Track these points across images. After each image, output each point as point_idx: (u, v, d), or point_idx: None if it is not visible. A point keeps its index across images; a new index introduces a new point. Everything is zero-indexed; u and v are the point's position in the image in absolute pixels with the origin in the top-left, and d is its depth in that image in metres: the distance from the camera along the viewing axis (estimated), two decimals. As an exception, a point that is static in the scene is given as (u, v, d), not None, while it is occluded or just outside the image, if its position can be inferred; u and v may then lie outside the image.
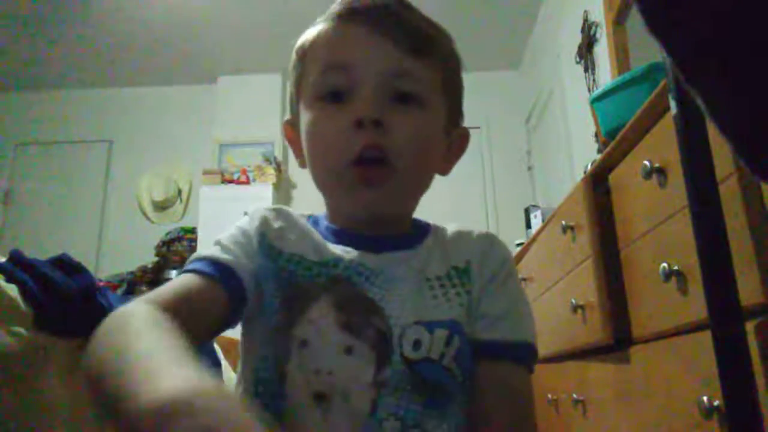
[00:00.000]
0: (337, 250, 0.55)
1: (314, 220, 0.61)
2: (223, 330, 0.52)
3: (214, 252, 0.53)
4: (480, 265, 0.57)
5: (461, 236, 0.60)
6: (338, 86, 0.54)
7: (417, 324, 0.51)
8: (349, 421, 0.48)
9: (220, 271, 0.51)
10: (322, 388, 0.48)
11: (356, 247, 0.55)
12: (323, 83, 0.55)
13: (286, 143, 0.64)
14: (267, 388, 0.50)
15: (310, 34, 0.58)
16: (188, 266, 0.52)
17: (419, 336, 0.50)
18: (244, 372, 0.55)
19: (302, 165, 0.61)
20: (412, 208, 0.62)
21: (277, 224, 0.57)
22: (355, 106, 0.52)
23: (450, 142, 0.61)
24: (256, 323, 0.54)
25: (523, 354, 0.55)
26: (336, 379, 0.48)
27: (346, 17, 0.55)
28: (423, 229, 0.61)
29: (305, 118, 0.57)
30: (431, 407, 0.49)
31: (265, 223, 0.57)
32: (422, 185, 0.59)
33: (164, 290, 0.48)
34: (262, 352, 0.52)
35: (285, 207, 0.61)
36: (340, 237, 0.57)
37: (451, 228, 0.61)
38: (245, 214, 0.59)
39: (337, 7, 0.56)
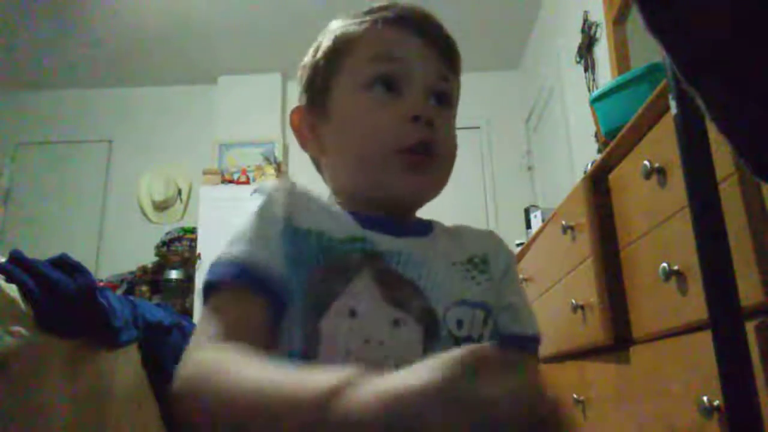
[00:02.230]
0: (364, 230, 0.54)
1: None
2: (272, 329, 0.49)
3: (247, 256, 0.48)
4: (496, 258, 0.60)
5: (466, 231, 0.63)
6: (391, 75, 0.56)
7: (458, 304, 0.53)
8: None
9: (258, 281, 0.47)
10: (374, 358, 0.47)
11: (377, 230, 0.55)
12: (375, 70, 0.56)
13: (292, 130, 0.63)
14: None
15: (353, 27, 0.59)
16: (222, 274, 0.48)
17: (461, 315, 0.52)
18: None
19: (310, 150, 0.62)
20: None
21: (300, 203, 0.55)
22: (410, 101, 0.56)
23: None
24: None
25: (539, 345, 0.60)
26: (387, 350, 0.48)
27: (396, 22, 0.58)
28: (427, 222, 0.63)
29: (348, 103, 0.58)
30: None
31: (288, 204, 0.54)
32: (448, 179, 0.62)
33: (209, 327, 0.45)
34: (287, 344, 0.48)
35: (300, 184, 0.58)
36: (359, 219, 0.56)
37: (449, 224, 0.64)
38: (254, 192, 0.55)
39: (383, 12, 0.59)
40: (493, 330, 0.55)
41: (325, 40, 0.61)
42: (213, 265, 0.49)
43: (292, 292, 0.49)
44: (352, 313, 0.48)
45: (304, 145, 0.63)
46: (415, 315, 0.50)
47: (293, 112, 0.63)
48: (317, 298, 0.49)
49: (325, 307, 0.48)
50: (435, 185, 0.59)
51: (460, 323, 0.52)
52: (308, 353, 0.47)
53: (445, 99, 0.60)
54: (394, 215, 0.59)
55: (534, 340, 0.59)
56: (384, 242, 0.54)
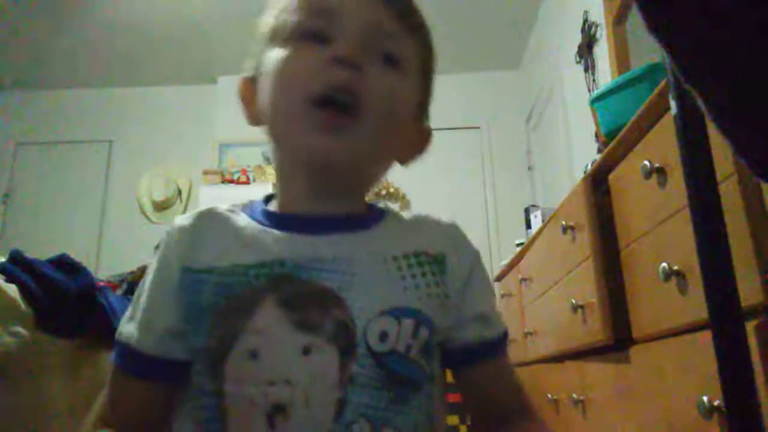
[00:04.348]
0: (279, 242, 0.50)
1: (250, 210, 0.55)
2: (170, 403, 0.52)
3: (129, 334, 0.51)
4: (457, 259, 0.54)
5: (426, 222, 0.57)
6: (320, 29, 0.50)
7: (383, 314, 0.47)
8: (310, 430, 0.44)
9: (139, 365, 0.50)
10: (279, 400, 0.44)
11: (302, 231, 0.50)
12: (302, 24, 0.50)
13: (239, 100, 0.58)
14: (207, 428, 0.46)
15: None
16: (114, 358, 0.52)
17: (386, 327, 0.47)
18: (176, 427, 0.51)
19: (252, 121, 0.56)
20: (367, 183, 0.58)
21: (203, 237, 0.51)
22: (335, 44, 0.48)
23: (416, 134, 0.58)
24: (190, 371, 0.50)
25: (506, 341, 0.57)
26: (295, 387, 0.44)
27: None
28: (378, 212, 0.57)
29: (273, 57, 0.51)
30: (400, 402, 0.47)
31: (186, 246, 0.51)
32: (383, 153, 0.54)
33: (108, 406, 0.51)
34: (195, 394, 0.48)
35: (210, 208, 0.55)
36: (281, 222, 0.52)
37: (409, 214, 0.58)
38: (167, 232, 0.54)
39: None
40: (427, 340, 0.49)
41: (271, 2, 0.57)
42: (117, 335, 0.52)
43: (186, 357, 0.49)
44: (254, 355, 0.45)
45: (245, 114, 0.57)
46: (327, 335, 0.45)
47: (242, 79, 0.58)
48: (219, 341, 0.46)
49: (226, 351, 0.46)
50: (353, 151, 0.49)
51: (383, 336, 0.46)
52: (217, 400, 0.46)
53: (391, 60, 0.51)
54: (328, 200, 0.52)
55: (503, 338, 0.56)
56: (303, 249, 0.49)
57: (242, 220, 0.53)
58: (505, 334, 0.57)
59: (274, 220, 0.53)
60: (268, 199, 0.58)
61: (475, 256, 0.57)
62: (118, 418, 0.50)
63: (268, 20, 0.55)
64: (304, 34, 0.50)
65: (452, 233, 0.57)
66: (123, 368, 0.51)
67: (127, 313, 0.53)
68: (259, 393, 0.44)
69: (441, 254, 0.53)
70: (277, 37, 0.52)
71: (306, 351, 0.45)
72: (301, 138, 0.49)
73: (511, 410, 0.55)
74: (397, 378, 0.47)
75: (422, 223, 0.57)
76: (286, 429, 0.44)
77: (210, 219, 0.53)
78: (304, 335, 0.45)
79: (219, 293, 0.47)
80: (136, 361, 0.50)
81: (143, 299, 0.52)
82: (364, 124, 0.48)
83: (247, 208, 0.56)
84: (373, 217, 0.55)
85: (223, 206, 0.55)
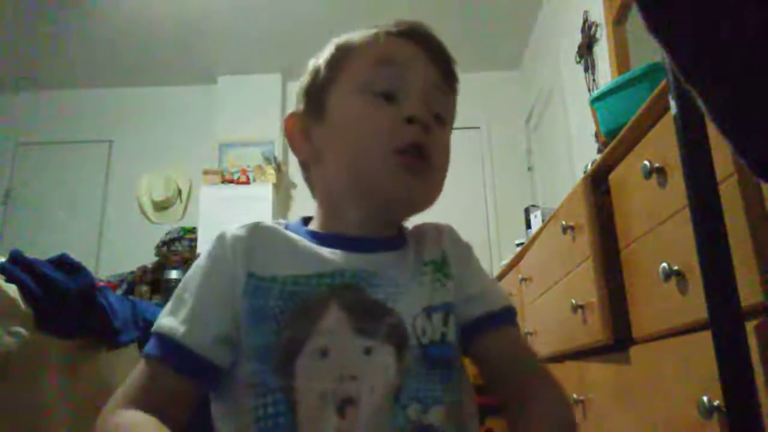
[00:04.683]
0: (334, 257, 0.56)
1: (293, 228, 0.62)
2: (196, 403, 0.53)
3: (173, 328, 0.52)
4: (454, 253, 0.63)
5: (428, 230, 0.65)
6: (389, 83, 0.58)
7: (421, 313, 0.55)
8: (375, 416, 0.49)
9: (180, 359, 0.51)
10: (348, 394, 0.49)
11: (348, 249, 0.57)
12: (374, 76, 0.58)
13: (285, 137, 0.65)
14: (273, 422, 0.49)
15: (356, 36, 0.62)
16: (150, 349, 0.53)
17: (423, 323, 0.55)
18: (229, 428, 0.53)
19: (302, 156, 0.63)
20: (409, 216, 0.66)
21: (262, 246, 0.56)
22: (406, 105, 0.57)
23: None
24: (238, 372, 0.52)
25: (513, 315, 0.62)
26: (361, 382, 0.50)
27: (398, 34, 0.61)
28: (401, 232, 0.65)
29: (345, 104, 0.59)
30: (444, 382, 0.53)
31: (249, 254, 0.55)
32: (437, 197, 0.63)
33: (136, 390, 0.52)
34: (258, 392, 0.50)
35: (263, 222, 0.60)
36: (329, 241, 0.59)
37: (414, 225, 0.67)
38: (218, 236, 0.57)
39: (387, 26, 0.62)
40: (458, 324, 0.57)
41: (328, 49, 0.63)
42: (151, 334, 0.54)
43: (223, 362, 0.52)
44: (324, 353, 0.51)
45: (297, 150, 0.64)
46: (384, 337, 0.52)
47: (287, 118, 0.64)
48: (289, 341, 0.51)
49: (298, 349, 0.51)
50: (428, 191, 0.60)
51: (424, 330, 0.54)
52: (286, 395, 0.49)
53: (442, 116, 0.61)
54: (375, 228, 0.60)
55: (508, 311, 0.61)
56: (354, 265, 0.56)
57: (291, 234, 0.59)
58: (507, 309, 0.61)
59: (321, 238, 0.59)
60: (304, 221, 0.65)
61: (467, 248, 0.65)
62: (138, 403, 0.50)
63: (321, 65, 0.62)
64: (375, 89, 0.58)
65: (447, 232, 0.65)
66: (162, 358, 0.52)
67: (167, 308, 0.55)
68: (329, 388, 0.49)
69: (444, 254, 0.62)
70: (342, 85, 0.60)
71: (367, 351, 0.51)
72: (388, 179, 0.57)
73: (526, 379, 0.58)
74: (439, 361, 0.54)
75: (426, 231, 0.65)
76: (355, 416, 0.49)
77: (262, 231, 0.58)
78: (364, 339, 0.52)
79: (285, 298, 0.53)
80: (178, 353, 0.52)
81: (190, 298, 0.54)
82: (432, 171, 0.59)
83: (290, 226, 0.62)
84: (400, 237, 0.63)
85: (267, 222, 0.60)
